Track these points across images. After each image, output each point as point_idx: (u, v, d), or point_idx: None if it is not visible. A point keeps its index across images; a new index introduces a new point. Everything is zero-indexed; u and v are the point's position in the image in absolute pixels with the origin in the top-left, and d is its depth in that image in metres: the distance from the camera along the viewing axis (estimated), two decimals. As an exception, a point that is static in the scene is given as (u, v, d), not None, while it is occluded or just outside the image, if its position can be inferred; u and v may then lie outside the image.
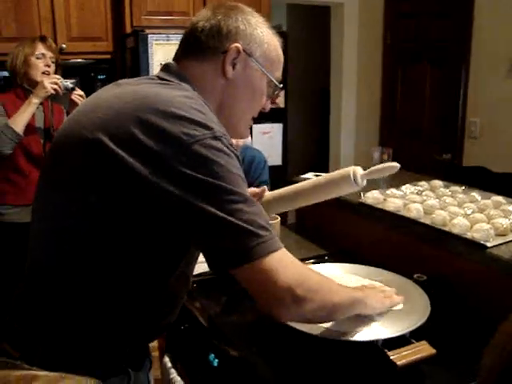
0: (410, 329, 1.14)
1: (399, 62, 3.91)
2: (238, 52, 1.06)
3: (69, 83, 2.51)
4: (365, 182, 1.33)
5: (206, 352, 1.30)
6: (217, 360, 1.26)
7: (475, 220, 1.47)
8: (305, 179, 2.28)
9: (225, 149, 0.91)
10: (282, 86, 1.17)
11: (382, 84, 4.10)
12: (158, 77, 1.07)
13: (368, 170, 1.33)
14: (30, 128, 2.45)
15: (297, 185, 1.45)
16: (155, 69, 2.88)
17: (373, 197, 1.78)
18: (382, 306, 1.21)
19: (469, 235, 1.42)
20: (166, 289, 1.04)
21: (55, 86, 2.44)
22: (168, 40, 2.89)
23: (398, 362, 1.07)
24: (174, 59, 1.12)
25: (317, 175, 2.30)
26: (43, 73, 2.49)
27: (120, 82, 1.09)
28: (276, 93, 1.17)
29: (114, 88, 1.05)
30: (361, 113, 4.26)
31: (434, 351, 1.10)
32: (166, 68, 1.10)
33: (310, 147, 5.52)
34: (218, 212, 0.87)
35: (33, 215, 1.07)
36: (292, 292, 0.92)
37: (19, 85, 2.52)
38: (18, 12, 2.90)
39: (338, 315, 1.08)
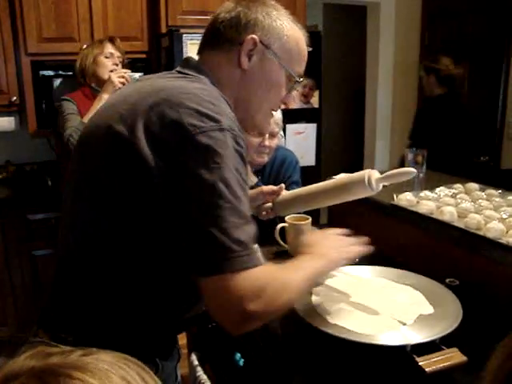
0: (441, 335, 1.11)
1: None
2: (255, 43, 1.06)
3: (136, 76, 2.59)
4: (381, 186, 1.30)
5: (232, 351, 1.29)
6: (243, 360, 1.25)
7: (511, 224, 1.43)
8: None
9: (229, 142, 0.91)
10: (301, 80, 1.15)
11: (418, 83, 4.03)
12: (177, 71, 1.09)
13: (384, 175, 1.30)
14: None
15: (312, 186, 1.44)
16: (189, 68, 2.90)
17: (406, 199, 1.75)
18: (344, 262, 1.22)
19: (504, 240, 1.38)
20: (190, 279, 1.04)
21: (122, 80, 2.54)
22: (203, 40, 2.90)
23: (427, 369, 1.04)
24: (198, 52, 1.13)
25: (349, 176, 2.28)
26: (111, 71, 2.59)
27: (142, 77, 1.13)
28: (295, 86, 1.16)
29: (135, 83, 1.09)
30: (396, 114, 4.20)
31: (464, 359, 1.08)
32: (185, 62, 1.12)
33: (344, 148, 5.47)
34: (200, 217, 0.88)
35: (62, 207, 1.10)
36: (243, 310, 0.89)
37: (87, 84, 2.62)
38: (57, 13, 2.97)
39: (301, 296, 1.13)
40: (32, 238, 2.96)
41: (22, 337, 2.87)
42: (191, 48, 2.87)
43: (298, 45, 1.12)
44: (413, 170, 1.27)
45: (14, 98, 3.05)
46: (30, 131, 3.08)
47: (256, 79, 1.09)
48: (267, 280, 0.93)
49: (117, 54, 2.65)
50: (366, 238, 1.25)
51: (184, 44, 2.89)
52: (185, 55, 2.89)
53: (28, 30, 2.92)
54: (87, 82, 2.66)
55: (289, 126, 3.31)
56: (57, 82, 3.04)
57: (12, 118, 3.14)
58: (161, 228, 0.94)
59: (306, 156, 3.43)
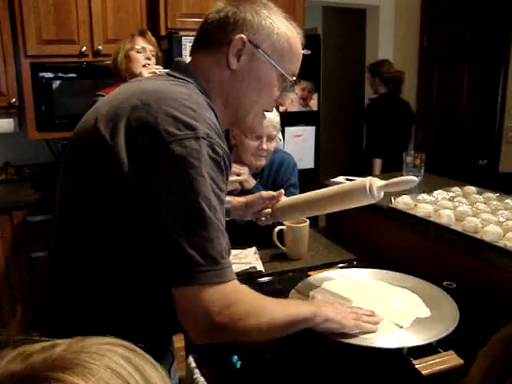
0: (438, 337, 1.12)
1: (436, 65, 3.84)
2: (244, 43, 1.04)
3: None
4: (382, 194, 1.29)
5: (229, 354, 1.29)
6: (240, 362, 1.25)
7: (509, 228, 1.43)
8: (335, 183, 2.27)
9: (204, 150, 0.89)
10: (294, 79, 1.13)
11: (417, 88, 4.04)
12: (167, 73, 1.09)
13: (385, 183, 1.28)
14: None
15: (312, 193, 1.43)
16: (189, 71, 2.91)
17: (403, 202, 1.75)
18: (349, 325, 1.14)
19: (501, 243, 1.38)
20: None
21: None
22: (202, 42, 2.91)
23: (424, 372, 1.05)
24: (190, 54, 1.13)
25: (348, 179, 2.28)
26: (144, 66, 2.56)
27: (132, 80, 1.13)
28: (288, 86, 1.13)
29: (125, 85, 1.09)
30: (395, 117, 4.20)
31: (461, 361, 1.08)
32: (175, 64, 1.11)
33: (343, 151, 5.47)
34: (170, 229, 0.87)
35: (53, 206, 1.11)
36: (209, 321, 0.90)
37: (122, 80, 2.61)
38: (57, 15, 2.97)
39: (273, 335, 1.07)
40: (30, 240, 2.95)
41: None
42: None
43: (290, 43, 1.09)
44: (414, 178, 1.26)
45: (14, 99, 3.05)
46: (30, 133, 3.08)
47: (246, 80, 1.07)
48: (237, 298, 0.93)
49: (149, 47, 2.61)
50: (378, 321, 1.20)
51: (183, 46, 2.89)
52: (184, 58, 2.88)
53: (27, 31, 2.93)
54: (122, 76, 2.62)
55: (287, 129, 3.31)
56: (56, 83, 3.05)
57: (11, 120, 3.15)
58: (138, 232, 0.94)
59: (305, 159, 3.43)
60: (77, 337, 0.49)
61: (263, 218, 1.54)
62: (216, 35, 1.06)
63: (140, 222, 0.91)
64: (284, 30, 1.08)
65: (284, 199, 1.49)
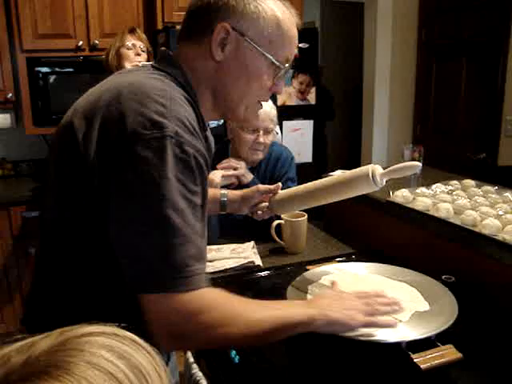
0: (436, 331, 1.11)
1: (434, 58, 3.82)
2: (227, 31, 0.97)
3: None
4: (384, 181, 1.26)
5: (228, 349, 1.29)
6: (238, 357, 1.25)
7: (507, 221, 1.43)
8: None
9: (170, 151, 0.84)
10: (286, 65, 1.03)
11: (415, 81, 4.02)
12: (151, 65, 1.04)
13: (387, 170, 1.26)
14: None
15: (310, 184, 1.41)
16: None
17: (402, 195, 1.75)
18: (359, 325, 1.07)
19: (500, 236, 1.37)
20: None
21: None
22: (199, 36, 2.89)
23: (422, 366, 1.04)
24: (177, 43, 1.07)
25: (345, 172, 2.28)
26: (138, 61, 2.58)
27: (117, 72, 1.09)
28: (283, 73, 1.04)
29: (105, 80, 1.04)
30: (394, 110, 4.19)
31: (460, 355, 1.07)
32: (159, 55, 1.06)
33: (341, 145, 5.47)
34: (134, 236, 0.84)
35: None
36: (171, 332, 0.87)
37: None
38: (53, 9, 2.95)
39: (256, 342, 1.02)
40: (28, 236, 2.95)
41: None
42: (187, 44, 2.86)
43: (280, 26, 1.00)
44: (417, 163, 1.23)
45: (10, 94, 3.04)
46: (26, 128, 3.07)
47: (233, 70, 0.99)
48: (203, 307, 0.87)
49: (139, 44, 2.62)
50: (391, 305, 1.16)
51: (180, 40, 2.87)
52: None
53: (23, 26, 2.91)
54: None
55: (285, 123, 3.30)
56: (53, 78, 3.03)
57: (8, 115, 3.14)
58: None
59: (303, 153, 3.42)
60: (56, 330, 0.47)
61: (259, 212, 1.51)
62: (198, 24, 0.99)
63: (105, 223, 0.88)
64: (272, 12, 0.99)
65: (281, 192, 1.47)
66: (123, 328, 0.50)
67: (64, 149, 0.95)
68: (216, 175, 1.90)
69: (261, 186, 1.50)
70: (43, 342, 0.46)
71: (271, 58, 1.00)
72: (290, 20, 1.02)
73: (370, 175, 1.24)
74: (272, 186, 1.45)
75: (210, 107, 1.04)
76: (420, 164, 1.23)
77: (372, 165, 1.26)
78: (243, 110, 1.06)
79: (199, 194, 0.91)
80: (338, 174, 1.36)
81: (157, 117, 0.86)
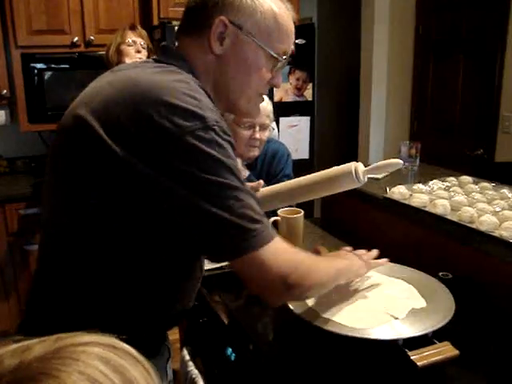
0: (433, 328, 1.10)
1: (431, 54, 3.82)
2: (225, 25, 0.99)
3: None
4: (366, 178, 1.29)
5: (224, 346, 1.28)
6: (234, 354, 1.24)
7: (504, 217, 1.42)
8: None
9: (216, 139, 0.88)
10: (284, 58, 1.05)
11: (413, 77, 4.01)
12: (154, 59, 1.04)
13: (370, 167, 1.29)
14: None
15: (293, 181, 1.41)
16: (182, 61, 2.88)
17: (399, 192, 1.74)
18: (365, 271, 1.29)
19: (497, 233, 1.37)
20: (176, 275, 1.03)
21: None
22: (195, 32, 2.88)
23: (419, 363, 1.03)
24: (175, 37, 1.08)
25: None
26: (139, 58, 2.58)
27: (116, 68, 1.06)
28: (281, 66, 1.07)
29: (108, 75, 1.03)
30: (391, 106, 4.18)
31: (456, 352, 1.07)
32: (162, 50, 1.06)
33: (338, 141, 5.46)
34: (210, 207, 0.87)
35: (41, 203, 1.08)
36: (284, 281, 0.93)
37: None
38: (47, 5, 2.93)
39: (325, 290, 1.14)
40: (23, 233, 2.93)
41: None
42: (183, 40, 2.85)
43: (277, 19, 1.02)
44: (399, 161, 1.26)
45: (5, 91, 3.02)
46: (22, 125, 3.05)
47: (232, 64, 1.02)
48: (296, 255, 0.99)
49: (139, 40, 2.62)
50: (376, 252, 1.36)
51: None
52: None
53: (17, 22, 2.89)
54: None
55: (282, 119, 3.30)
56: (48, 74, 3.01)
57: (3, 112, 3.12)
58: (147, 225, 0.92)
59: (300, 149, 3.42)
60: (53, 336, 0.46)
61: None
62: (197, 19, 1.01)
63: (168, 219, 0.90)
64: (269, 6, 1.01)
65: (264, 189, 1.45)
66: (122, 340, 0.49)
67: (77, 145, 0.92)
68: None
69: None
70: (38, 346, 0.45)
71: (269, 50, 1.02)
72: (286, 14, 1.05)
73: (353, 172, 1.26)
74: (253, 184, 1.42)
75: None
76: (401, 162, 1.26)
77: (355, 162, 1.29)
78: (245, 103, 1.08)
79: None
80: (322, 172, 1.36)
81: (194, 108, 0.88)
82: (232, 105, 1.09)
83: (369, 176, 1.30)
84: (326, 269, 1.08)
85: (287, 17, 1.05)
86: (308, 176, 1.37)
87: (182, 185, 0.86)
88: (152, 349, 1.07)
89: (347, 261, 1.22)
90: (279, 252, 0.94)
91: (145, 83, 0.91)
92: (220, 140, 0.89)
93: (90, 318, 0.96)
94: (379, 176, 1.29)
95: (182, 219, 0.89)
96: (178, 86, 0.90)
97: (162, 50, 1.06)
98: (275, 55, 1.04)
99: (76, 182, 0.93)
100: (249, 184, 1.43)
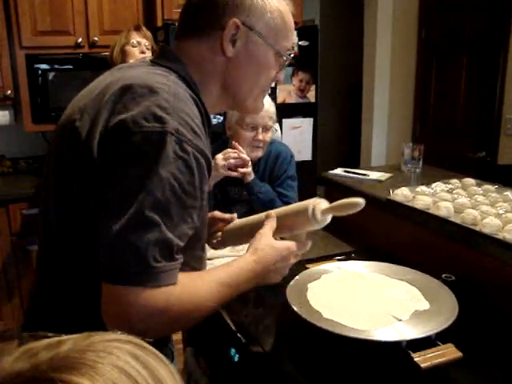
0: (436, 330, 1.11)
1: (434, 56, 3.82)
2: (237, 27, 0.97)
3: None
4: (329, 218, 1.11)
5: (227, 347, 1.29)
6: (237, 355, 1.25)
7: (507, 220, 1.43)
8: (333, 175, 2.26)
9: (169, 147, 0.83)
10: (291, 55, 1.06)
11: (415, 79, 4.01)
12: (150, 61, 1.03)
13: (329, 206, 1.10)
14: None
15: (261, 214, 1.21)
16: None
17: (402, 194, 1.74)
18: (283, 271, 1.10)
19: (500, 235, 1.37)
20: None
21: None
22: (199, 33, 2.89)
23: (422, 365, 1.04)
24: (175, 38, 1.06)
25: (346, 171, 2.28)
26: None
27: (115, 67, 1.07)
28: (285, 63, 1.07)
29: (106, 73, 1.04)
30: (393, 108, 4.18)
31: (460, 354, 1.07)
32: (160, 51, 1.06)
33: (340, 143, 5.46)
34: (109, 220, 0.82)
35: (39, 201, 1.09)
36: (131, 327, 0.83)
37: None
38: (52, 6, 2.94)
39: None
40: (27, 233, 2.94)
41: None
42: (187, 42, 2.85)
43: (284, 18, 1.02)
44: (361, 200, 1.06)
45: (9, 91, 3.03)
46: (25, 125, 3.06)
47: (243, 64, 1.01)
48: (168, 304, 0.85)
49: (144, 41, 2.62)
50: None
51: (180, 38, 2.86)
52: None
53: (22, 22, 2.90)
54: None
55: (285, 121, 3.30)
56: (52, 75, 3.02)
57: (7, 112, 3.12)
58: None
59: (303, 151, 3.42)
60: (83, 333, 0.48)
61: (214, 241, 1.33)
62: (204, 19, 0.99)
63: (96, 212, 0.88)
64: (276, 5, 1.01)
65: (236, 221, 1.31)
66: (148, 343, 0.51)
67: (66, 147, 0.94)
68: (218, 159, 1.89)
69: (216, 213, 1.34)
70: (71, 341, 0.47)
71: (278, 49, 1.02)
72: (289, 12, 1.05)
73: (310, 211, 1.08)
74: (227, 215, 1.32)
75: (214, 101, 1.04)
76: (363, 201, 1.06)
77: (315, 199, 1.12)
78: (252, 101, 1.07)
79: (196, 196, 0.89)
80: (284, 207, 1.20)
81: (159, 111, 0.85)
82: (239, 103, 1.08)
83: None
84: (206, 302, 0.93)
85: (290, 15, 1.05)
86: (273, 210, 1.19)
87: (111, 184, 0.85)
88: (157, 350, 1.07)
89: (253, 277, 1.02)
90: (144, 300, 0.83)
91: (128, 82, 0.91)
92: (173, 151, 0.84)
93: (91, 318, 0.96)
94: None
95: (95, 216, 0.87)
96: (157, 86, 0.89)
97: (159, 51, 1.06)
98: (283, 53, 1.04)
99: (65, 183, 0.94)
100: (223, 215, 1.31)
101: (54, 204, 0.97)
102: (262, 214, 1.20)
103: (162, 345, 1.12)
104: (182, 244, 0.87)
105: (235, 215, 1.32)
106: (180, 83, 0.95)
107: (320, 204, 1.09)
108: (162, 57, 1.02)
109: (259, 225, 1.14)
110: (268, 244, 1.06)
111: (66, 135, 0.94)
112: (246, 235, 1.20)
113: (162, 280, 0.84)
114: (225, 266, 1.00)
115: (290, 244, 1.09)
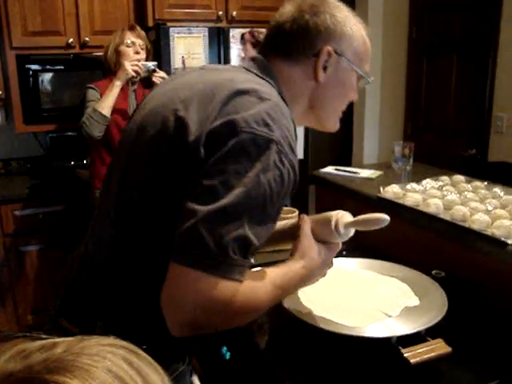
0: (426, 326, 1.12)
1: (424, 55, 3.84)
2: (330, 54, 1.03)
3: (150, 64, 2.63)
4: (352, 232, 1.10)
5: (219, 344, 1.29)
6: (229, 353, 1.25)
7: (496, 216, 1.44)
8: (324, 173, 2.27)
9: (272, 155, 0.86)
10: (372, 78, 1.14)
11: (406, 78, 4.03)
12: (244, 67, 1.05)
13: (353, 219, 1.08)
14: (125, 115, 2.59)
15: (282, 222, 1.21)
16: (176, 62, 2.89)
17: (392, 191, 1.75)
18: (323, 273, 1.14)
19: (489, 232, 1.38)
20: None
21: (135, 68, 2.57)
22: (190, 33, 2.88)
23: (412, 360, 1.05)
24: (261, 53, 1.09)
25: (337, 169, 2.28)
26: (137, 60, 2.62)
27: (206, 66, 1.11)
28: (364, 85, 1.15)
29: (198, 70, 1.07)
30: (385, 107, 4.20)
31: (449, 349, 1.08)
32: (253, 61, 1.07)
33: (332, 141, 5.47)
34: (199, 209, 0.83)
35: (102, 194, 1.09)
36: (190, 321, 0.86)
37: (113, 73, 2.65)
38: (42, 6, 2.93)
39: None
40: (19, 234, 2.93)
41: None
42: (178, 42, 2.85)
43: (366, 45, 1.11)
44: (386, 217, 1.06)
45: (0, 92, 3.02)
46: (17, 126, 3.05)
47: (331, 88, 1.07)
48: (232, 298, 0.86)
49: (138, 41, 2.63)
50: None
51: (171, 38, 2.86)
52: (172, 49, 2.87)
53: (12, 23, 2.88)
54: (112, 70, 2.66)
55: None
56: (43, 76, 3.01)
57: (-3, 113, 3.11)
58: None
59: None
60: (77, 336, 0.48)
61: None
62: (298, 45, 1.04)
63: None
64: (360, 31, 1.09)
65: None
66: (143, 349, 0.50)
67: (165, 134, 0.93)
68: None
69: None
70: (65, 343, 0.47)
71: (363, 74, 1.10)
72: (367, 36, 1.12)
73: (333, 225, 1.07)
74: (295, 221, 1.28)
75: (297, 118, 1.05)
76: (388, 218, 1.06)
77: (338, 211, 1.10)
78: (333, 122, 1.14)
79: (278, 207, 0.91)
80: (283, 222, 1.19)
81: (268, 119, 0.88)
82: (321, 122, 1.13)
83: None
84: (264, 304, 0.95)
85: (367, 39, 1.12)
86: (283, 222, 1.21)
87: (206, 176, 0.86)
88: (182, 354, 1.05)
89: (304, 279, 1.06)
90: (216, 290, 0.84)
91: (237, 85, 0.93)
92: (273, 159, 0.87)
93: (136, 304, 0.97)
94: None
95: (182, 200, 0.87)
96: (264, 95, 0.91)
97: (255, 62, 1.07)
98: (366, 76, 1.11)
99: (165, 182, 0.93)
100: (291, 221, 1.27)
101: (140, 186, 0.96)
102: (288, 221, 1.21)
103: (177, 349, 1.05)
104: (258, 246, 0.90)
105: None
106: (279, 96, 0.98)
107: (343, 217, 1.08)
108: (260, 68, 1.04)
109: (293, 228, 1.16)
110: (315, 249, 1.08)
111: (165, 122, 0.93)
112: (276, 240, 1.23)
113: (235, 274, 0.85)
114: (276, 268, 1.01)
115: (334, 249, 1.12)
